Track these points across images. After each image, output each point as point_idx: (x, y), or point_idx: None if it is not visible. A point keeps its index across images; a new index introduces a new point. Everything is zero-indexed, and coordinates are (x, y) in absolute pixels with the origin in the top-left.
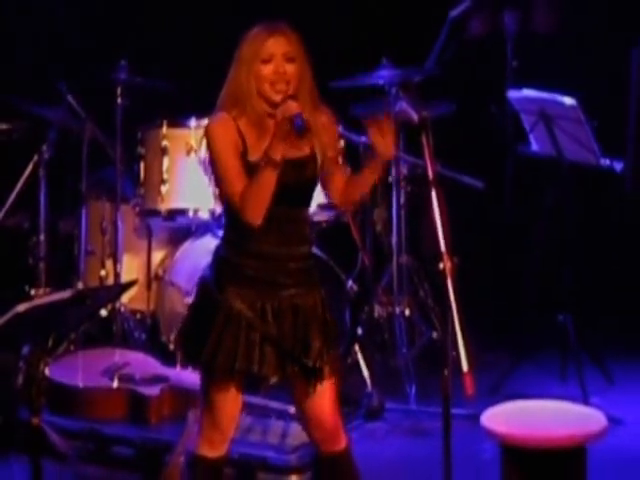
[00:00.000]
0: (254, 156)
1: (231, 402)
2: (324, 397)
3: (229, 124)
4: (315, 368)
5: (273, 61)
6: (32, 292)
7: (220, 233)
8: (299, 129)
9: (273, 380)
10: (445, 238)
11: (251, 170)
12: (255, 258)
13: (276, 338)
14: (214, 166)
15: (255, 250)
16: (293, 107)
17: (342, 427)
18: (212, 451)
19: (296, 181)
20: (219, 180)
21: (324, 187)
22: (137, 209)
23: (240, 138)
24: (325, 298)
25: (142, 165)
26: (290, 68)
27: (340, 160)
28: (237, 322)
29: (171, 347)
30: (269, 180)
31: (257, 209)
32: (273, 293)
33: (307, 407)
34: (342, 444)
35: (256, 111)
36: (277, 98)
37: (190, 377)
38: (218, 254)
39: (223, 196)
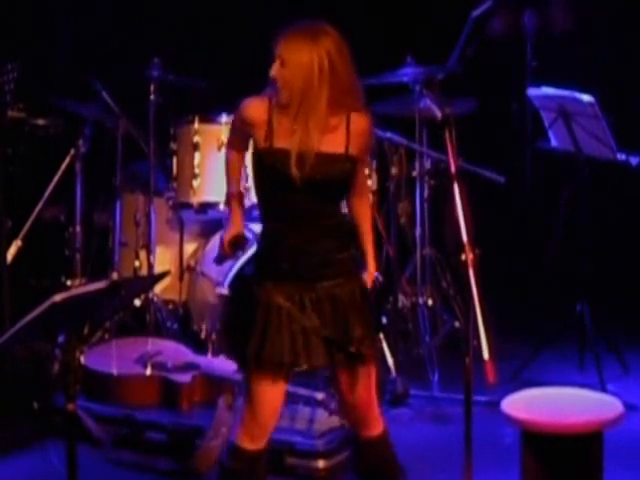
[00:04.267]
0: (280, 141)
1: (274, 396)
2: (360, 382)
3: (261, 108)
4: (358, 354)
5: (277, 60)
6: (68, 282)
7: (250, 226)
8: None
9: (297, 368)
10: (467, 230)
11: (272, 155)
12: (290, 252)
13: (316, 328)
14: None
15: (289, 244)
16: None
17: (378, 413)
18: (252, 444)
19: (325, 176)
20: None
21: None
22: (170, 202)
23: (267, 120)
24: (364, 287)
25: (175, 160)
26: (279, 70)
27: (365, 164)
28: (277, 315)
29: (202, 336)
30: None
31: None
32: (310, 285)
33: (344, 391)
34: (378, 429)
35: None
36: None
37: (220, 365)
38: (256, 249)
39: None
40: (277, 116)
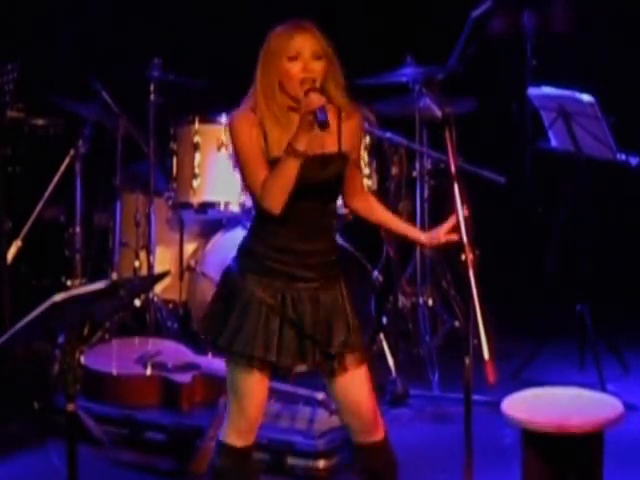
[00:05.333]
0: (275, 152)
1: (254, 388)
2: (360, 386)
3: (251, 120)
4: (336, 356)
5: (300, 59)
6: (68, 283)
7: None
8: (321, 122)
9: (297, 369)
10: (467, 230)
11: (271, 167)
12: (278, 252)
13: (296, 324)
14: (238, 158)
15: (279, 244)
16: (316, 100)
17: (379, 417)
18: (239, 440)
19: (320, 177)
20: (242, 170)
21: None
22: (170, 202)
23: (262, 134)
24: (347, 290)
25: (175, 160)
26: (317, 65)
27: (361, 164)
28: (257, 309)
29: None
30: (291, 170)
31: (278, 198)
32: (293, 286)
33: (343, 397)
34: (380, 434)
35: (279, 106)
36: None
37: (221, 365)
38: (243, 244)
39: (246, 186)
40: (267, 124)
